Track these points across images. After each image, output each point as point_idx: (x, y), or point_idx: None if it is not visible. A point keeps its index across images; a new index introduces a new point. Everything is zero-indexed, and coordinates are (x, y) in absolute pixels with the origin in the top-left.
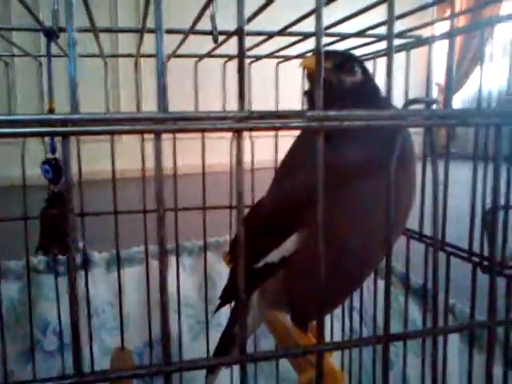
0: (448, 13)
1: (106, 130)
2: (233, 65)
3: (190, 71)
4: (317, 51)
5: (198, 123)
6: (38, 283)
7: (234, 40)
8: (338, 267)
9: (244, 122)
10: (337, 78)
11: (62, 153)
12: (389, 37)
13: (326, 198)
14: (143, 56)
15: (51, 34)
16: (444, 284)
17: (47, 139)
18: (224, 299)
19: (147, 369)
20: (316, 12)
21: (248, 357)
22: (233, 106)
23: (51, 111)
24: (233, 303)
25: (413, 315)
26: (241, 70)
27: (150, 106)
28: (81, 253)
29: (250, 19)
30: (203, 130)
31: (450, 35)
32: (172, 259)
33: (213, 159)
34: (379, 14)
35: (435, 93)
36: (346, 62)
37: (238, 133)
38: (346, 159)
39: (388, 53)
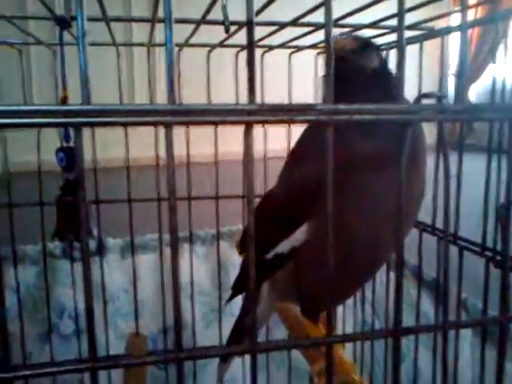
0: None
1: (117, 122)
2: (245, 55)
3: (202, 61)
4: (326, 43)
5: (208, 116)
6: (55, 268)
7: (246, 30)
8: (348, 258)
9: (253, 115)
10: (360, 62)
11: (74, 143)
12: (399, 28)
13: (337, 188)
14: (155, 45)
15: (63, 23)
16: (457, 278)
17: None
18: (236, 290)
19: (159, 355)
20: (325, 3)
21: (258, 346)
22: (245, 96)
23: (65, 99)
24: (244, 294)
25: (425, 308)
26: (250, 62)
27: (164, 95)
28: (95, 239)
29: (261, 9)
30: (213, 123)
31: (461, 29)
32: (185, 247)
33: (226, 147)
34: (393, 5)
35: (452, 83)
36: (368, 47)
37: (247, 125)
38: (356, 151)
39: (399, 45)
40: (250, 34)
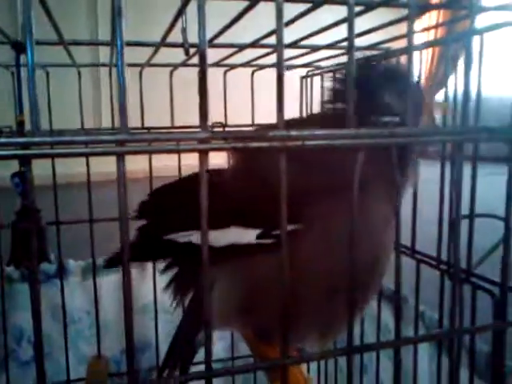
0: (427, 21)
1: (66, 153)
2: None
3: (165, 81)
4: (278, 65)
5: (161, 144)
6: (13, 292)
7: (198, 58)
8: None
9: (206, 143)
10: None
11: (24, 177)
12: (349, 49)
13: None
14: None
15: (20, 47)
16: (414, 290)
17: None
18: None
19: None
20: (277, 33)
21: (214, 372)
22: (212, 114)
23: (21, 123)
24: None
25: (386, 320)
26: (202, 91)
27: (131, 116)
28: (54, 263)
29: (220, 33)
30: (166, 152)
31: (407, 50)
32: (149, 266)
33: (190, 160)
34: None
35: None
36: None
37: (200, 153)
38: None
39: (349, 68)
40: (203, 62)
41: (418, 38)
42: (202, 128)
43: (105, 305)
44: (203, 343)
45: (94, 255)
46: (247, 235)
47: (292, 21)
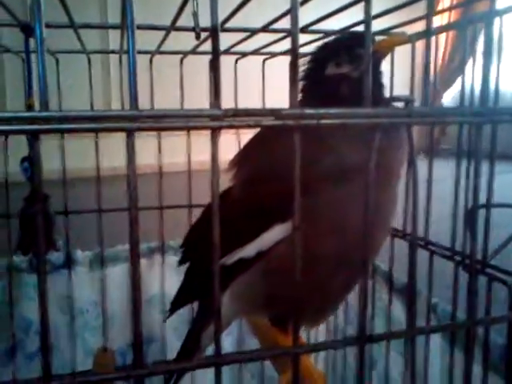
0: (440, 7)
1: (76, 128)
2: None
3: (176, 68)
4: (293, 52)
5: (172, 121)
6: (21, 282)
7: (210, 36)
8: (332, 262)
9: (218, 120)
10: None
11: (32, 153)
12: (366, 34)
13: (317, 190)
14: (127, 53)
15: (28, 30)
16: (427, 282)
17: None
18: (177, 303)
19: (120, 373)
20: (291, 11)
21: (223, 359)
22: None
23: (30, 107)
24: (198, 305)
25: (397, 313)
26: (215, 69)
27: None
28: (63, 251)
29: (231, 15)
30: (177, 129)
31: (426, 34)
32: (157, 258)
33: (199, 157)
34: (360, 11)
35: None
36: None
37: (213, 131)
38: (340, 157)
39: (366, 51)
40: (215, 39)
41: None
42: (214, 106)
43: (112, 296)
44: (209, 342)
45: (103, 245)
46: (270, 236)
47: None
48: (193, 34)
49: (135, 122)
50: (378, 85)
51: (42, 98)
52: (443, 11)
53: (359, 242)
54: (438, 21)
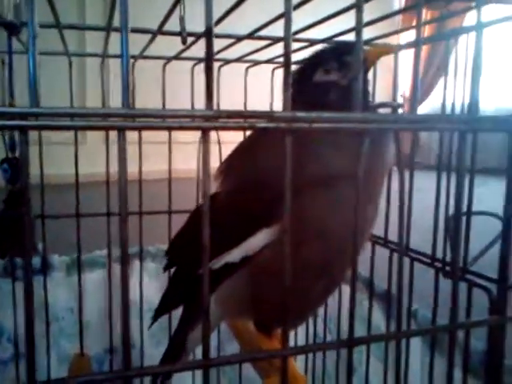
0: (414, 22)
1: (67, 125)
2: (201, 68)
3: (158, 73)
4: (286, 56)
5: (164, 121)
6: None
7: (202, 43)
8: (313, 267)
9: (212, 121)
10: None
11: (19, 148)
12: (357, 41)
13: (301, 193)
14: (109, 56)
15: (12, 29)
16: (407, 289)
17: (6, 137)
18: (160, 310)
19: (106, 374)
20: (285, 16)
21: (211, 361)
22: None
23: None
24: (183, 309)
25: (376, 321)
26: (208, 70)
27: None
28: (40, 256)
29: (219, 20)
30: (169, 129)
31: (416, 44)
32: (136, 264)
33: (179, 165)
34: (347, 21)
35: (400, 99)
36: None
37: (204, 132)
38: (326, 161)
39: (357, 57)
40: (209, 40)
41: (404, 38)
42: (206, 107)
43: (88, 302)
44: (194, 345)
45: (80, 250)
46: (255, 241)
47: (299, 5)
48: (172, 41)
49: (127, 120)
50: (364, 92)
51: (32, 94)
52: (427, 23)
53: (341, 248)
54: (411, 36)
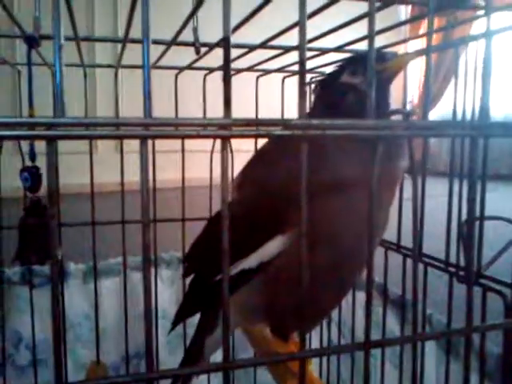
0: (421, 31)
1: (93, 135)
2: (213, 78)
3: (167, 82)
4: (300, 64)
5: (182, 130)
6: (12, 295)
7: (214, 53)
8: (328, 271)
9: (228, 129)
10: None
11: (46, 158)
12: (369, 52)
13: (317, 200)
14: (124, 67)
15: (32, 41)
16: (421, 294)
17: (25, 147)
18: (181, 315)
19: (130, 376)
20: (300, 24)
21: (232, 363)
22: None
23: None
24: (200, 315)
25: (391, 326)
26: (226, 77)
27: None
28: (58, 263)
29: (234, 29)
30: (187, 137)
31: (427, 51)
32: (150, 271)
33: (191, 173)
34: (358, 30)
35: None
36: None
37: (222, 140)
38: (340, 168)
39: (368, 66)
40: (227, 49)
41: (411, 46)
42: (225, 115)
43: (104, 309)
44: (212, 350)
45: (96, 258)
46: (270, 247)
47: (313, 14)
48: (184, 51)
49: (149, 129)
50: (384, 102)
51: (58, 104)
52: (437, 30)
53: (351, 254)
54: (418, 45)
